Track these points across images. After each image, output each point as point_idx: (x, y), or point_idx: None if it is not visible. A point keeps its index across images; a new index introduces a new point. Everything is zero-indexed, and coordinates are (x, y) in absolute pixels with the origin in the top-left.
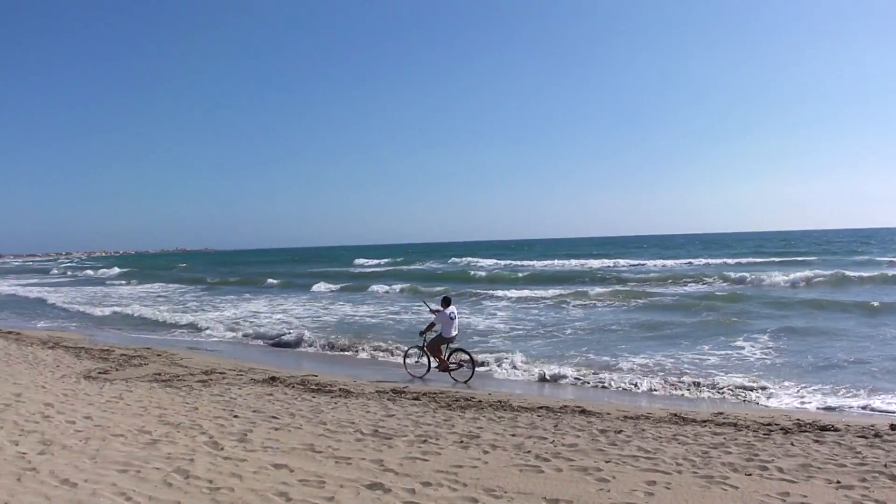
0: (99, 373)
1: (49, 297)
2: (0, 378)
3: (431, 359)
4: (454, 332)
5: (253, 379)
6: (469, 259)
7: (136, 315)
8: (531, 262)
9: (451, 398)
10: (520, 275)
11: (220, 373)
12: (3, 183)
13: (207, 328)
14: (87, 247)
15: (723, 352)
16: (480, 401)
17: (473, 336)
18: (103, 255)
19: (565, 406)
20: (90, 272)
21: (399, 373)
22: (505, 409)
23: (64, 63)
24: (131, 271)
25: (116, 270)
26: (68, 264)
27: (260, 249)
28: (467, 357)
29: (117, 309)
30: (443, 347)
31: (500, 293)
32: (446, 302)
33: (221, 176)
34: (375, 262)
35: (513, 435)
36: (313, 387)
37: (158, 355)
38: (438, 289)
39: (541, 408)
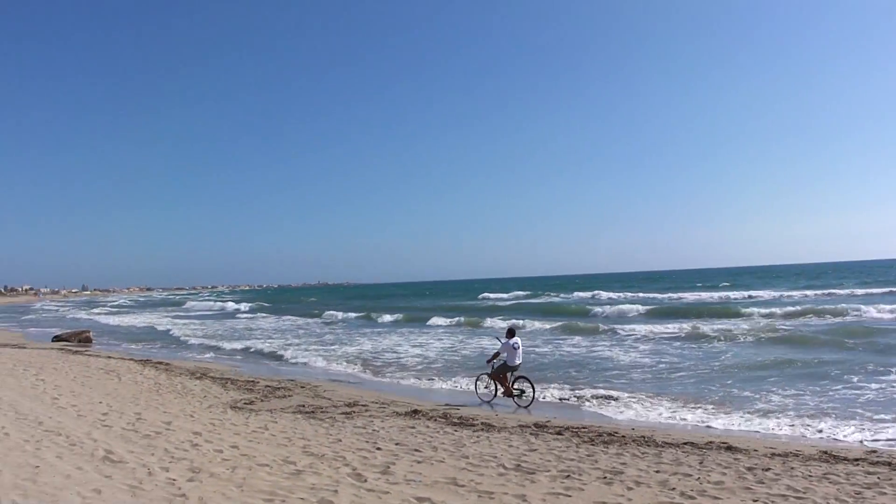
0: (245, 403)
1: (175, 329)
2: (151, 407)
3: (498, 385)
4: (518, 361)
5: (395, 411)
6: (596, 292)
7: (266, 349)
8: (661, 294)
9: (593, 433)
10: (646, 307)
11: (363, 405)
12: (157, 223)
13: (338, 361)
14: (231, 280)
15: (877, 386)
16: (624, 436)
17: (613, 370)
18: (246, 288)
19: (711, 442)
20: (226, 304)
21: (471, 398)
22: (649, 445)
23: (220, 95)
24: (264, 305)
25: (247, 305)
26: (206, 297)
27: (400, 283)
28: (528, 384)
29: (248, 343)
30: (508, 375)
31: (628, 327)
32: (510, 333)
33: (366, 208)
34: (501, 295)
35: (657, 471)
36: (455, 420)
37: (302, 387)
38: (558, 323)
39: (685, 443)
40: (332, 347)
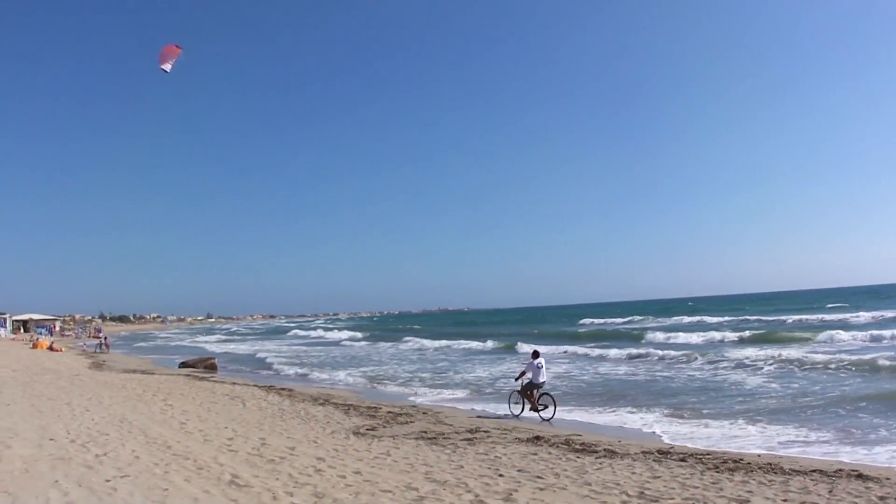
0: (367, 429)
1: (269, 356)
2: (275, 432)
3: (525, 400)
4: (541, 379)
5: (517, 438)
6: (700, 317)
7: (380, 376)
8: (772, 317)
9: (718, 459)
10: (756, 331)
11: (485, 431)
12: (279, 251)
13: (451, 388)
14: (352, 307)
15: None
16: (749, 463)
17: (737, 396)
18: (366, 315)
19: (840, 470)
20: (332, 333)
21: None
22: (775, 472)
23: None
24: (375, 332)
25: (354, 333)
26: (319, 324)
27: (520, 308)
28: (551, 400)
29: (364, 370)
30: (534, 391)
31: (743, 353)
32: (535, 355)
33: (484, 235)
34: (602, 321)
35: (784, 500)
36: (577, 446)
37: (424, 413)
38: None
39: (813, 471)
40: (447, 374)
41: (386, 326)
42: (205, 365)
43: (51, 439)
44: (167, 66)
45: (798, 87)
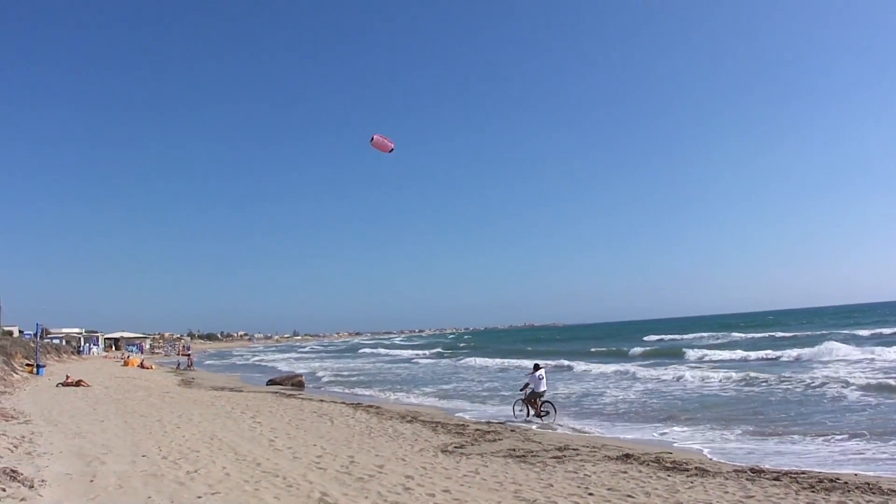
0: (455, 447)
1: (345, 374)
2: (364, 450)
3: (530, 407)
4: (542, 389)
5: (607, 455)
6: (774, 333)
7: (456, 393)
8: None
9: (814, 479)
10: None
11: (574, 449)
12: (363, 268)
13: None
14: (436, 323)
15: None
16: (846, 482)
17: (829, 413)
18: (452, 332)
19: None
20: (403, 351)
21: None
22: (874, 493)
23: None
24: (442, 350)
25: (421, 351)
26: (397, 341)
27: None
28: (551, 406)
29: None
30: (537, 400)
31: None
32: (535, 368)
33: (575, 250)
34: (669, 337)
35: None
36: (668, 464)
37: (512, 430)
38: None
39: None
40: (499, 392)
41: (458, 344)
42: (292, 382)
43: (143, 456)
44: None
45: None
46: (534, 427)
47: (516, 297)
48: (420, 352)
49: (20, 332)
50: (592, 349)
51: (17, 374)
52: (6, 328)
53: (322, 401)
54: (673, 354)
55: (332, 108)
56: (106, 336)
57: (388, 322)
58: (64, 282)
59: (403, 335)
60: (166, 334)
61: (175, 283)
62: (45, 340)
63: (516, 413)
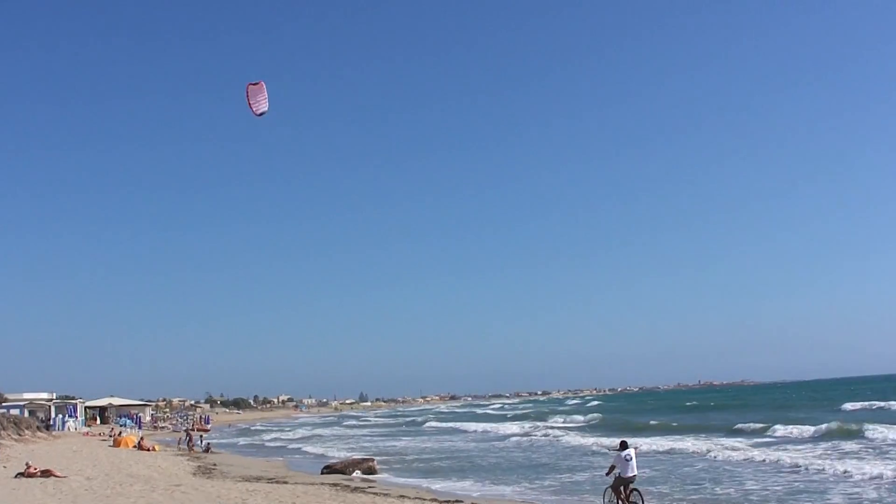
0: None
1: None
2: None
3: (616, 497)
4: (630, 473)
5: None
6: None
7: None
8: None
9: None
10: None
11: None
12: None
13: None
14: (570, 384)
15: None
16: None
17: None
18: (589, 393)
19: None
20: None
21: None
22: None
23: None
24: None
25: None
26: (504, 404)
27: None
28: (639, 495)
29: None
30: (624, 487)
31: None
32: (622, 445)
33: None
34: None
35: None
36: None
37: None
38: None
39: None
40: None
41: (579, 412)
42: (361, 468)
43: None
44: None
45: None
46: None
47: (687, 348)
48: (517, 425)
49: None
50: (750, 424)
51: None
52: None
53: (403, 497)
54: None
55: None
56: (88, 404)
57: (486, 382)
58: (27, 328)
59: (519, 398)
60: (175, 401)
61: (186, 329)
62: (0, 411)
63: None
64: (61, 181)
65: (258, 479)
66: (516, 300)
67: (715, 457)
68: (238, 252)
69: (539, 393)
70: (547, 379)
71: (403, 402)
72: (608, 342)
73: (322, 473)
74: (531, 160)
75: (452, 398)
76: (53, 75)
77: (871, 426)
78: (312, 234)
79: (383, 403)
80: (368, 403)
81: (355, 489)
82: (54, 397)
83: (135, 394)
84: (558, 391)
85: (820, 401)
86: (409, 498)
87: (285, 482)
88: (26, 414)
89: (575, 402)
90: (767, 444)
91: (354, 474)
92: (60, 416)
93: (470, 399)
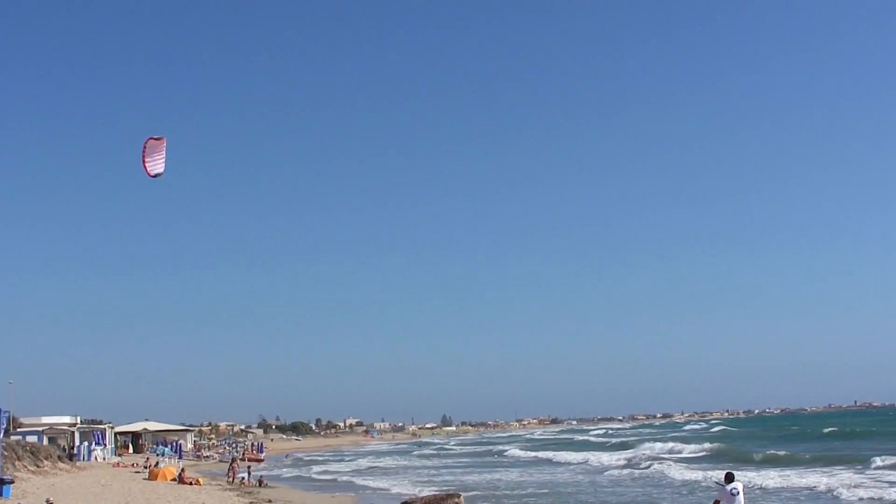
0: None
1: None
2: None
3: None
4: None
5: None
6: None
7: None
8: None
9: None
10: None
11: None
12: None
13: None
14: (697, 406)
15: None
16: None
17: None
18: (718, 416)
19: None
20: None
21: None
22: None
23: None
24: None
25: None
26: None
27: None
28: None
29: None
30: None
31: None
32: (728, 478)
33: None
34: None
35: None
36: None
37: None
38: None
39: None
40: None
41: (698, 439)
42: None
43: None
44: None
45: None
46: None
47: (841, 363)
48: (618, 455)
49: None
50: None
51: None
52: None
53: None
54: None
55: None
56: (118, 429)
57: (614, 402)
58: (45, 341)
59: (632, 423)
60: (222, 425)
61: (234, 343)
62: (14, 438)
63: None
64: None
65: None
66: (630, 305)
67: (839, 495)
68: (296, 253)
69: (658, 416)
70: (668, 399)
71: (495, 426)
72: (743, 357)
73: None
74: None
75: (553, 422)
76: None
77: None
78: (400, 231)
79: (470, 428)
80: (453, 428)
81: None
82: (79, 422)
83: (174, 417)
84: (681, 414)
85: None
86: None
87: None
88: (45, 441)
89: (696, 426)
90: None
91: None
92: (86, 443)
93: (574, 423)
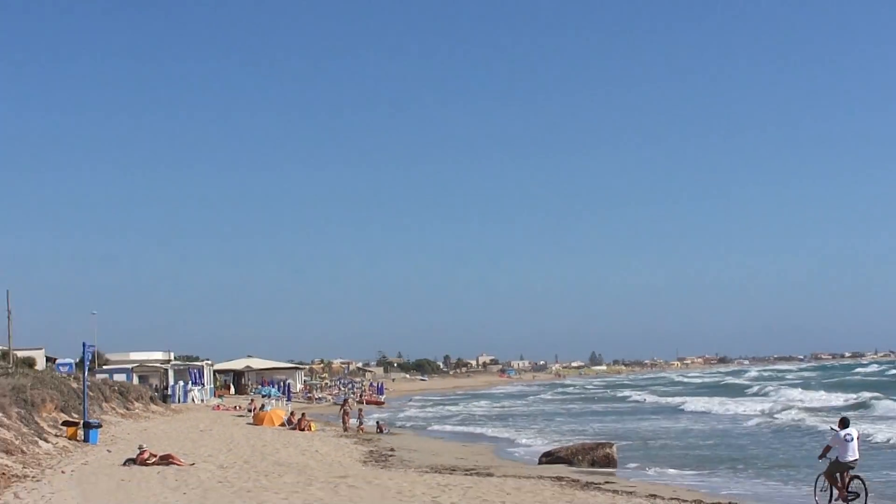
0: None
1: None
2: None
3: (832, 486)
4: (850, 457)
5: None
6: None
7: None
8: None
9: None
10: None
11: None
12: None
13: None
14: None
15: None
16: None
17: None
18: None
19: None
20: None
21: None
22: None
23: None
24: None
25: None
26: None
27: None
28: (862, 484)
29: None
30: (842, 474)
31: None
32: (843, 423)
33: None
34: None
35: None
36: None
37: None
38: None
39: None
40: None
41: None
42: (591, 458)
43: None
44: None
45: None
46: None
47: None
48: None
49: (50, 360)
50: None
51: (46, 440)
52: (23, 353)
53: (655, 497)
54: None
55: None
56: (218, 367)
57: (795, 339)
58: (133, 264)
59: (815, 362)
60: (336, 363)
61: (352, 273)
62: (100, 377)
63: (819, 496)
64: None
65: (452, 469)
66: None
67: None
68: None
69: (847, 355)
70: (864, 336)
71: (653, 365)
72: None
73: (540, 463)
74: None
75: (721, 361)
76: None
77: None
78: None
79: (624, 368)
80: (603, 367)
81: (587, 485)
82: (172, 358)
83: (281, 354)
84: (875, 353)
85: None
86: (664, 499)
87: (489, 474)
88: (135, 380)
89: (875, 367)
90: None
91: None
92: (181, 382)
93: (747, 363)
